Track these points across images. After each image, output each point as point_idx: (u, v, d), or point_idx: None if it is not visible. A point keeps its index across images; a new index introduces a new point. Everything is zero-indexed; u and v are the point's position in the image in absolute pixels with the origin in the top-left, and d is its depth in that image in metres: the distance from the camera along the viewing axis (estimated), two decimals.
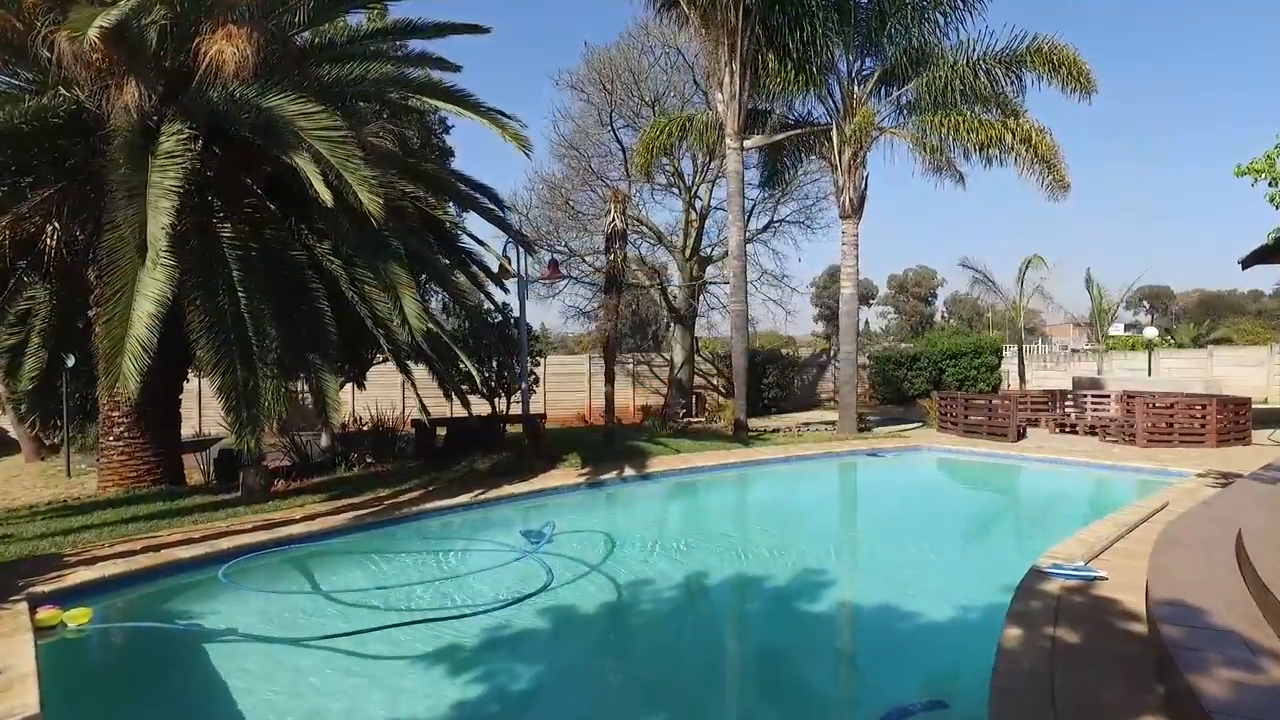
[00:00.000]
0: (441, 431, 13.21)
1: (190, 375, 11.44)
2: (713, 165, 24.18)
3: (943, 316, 77.78)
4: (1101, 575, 5.82)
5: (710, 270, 26.38)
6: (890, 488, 12.15)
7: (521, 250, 13.66)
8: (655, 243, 25.46)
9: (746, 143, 14.93)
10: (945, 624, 5.69)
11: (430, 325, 9.13)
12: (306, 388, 13.97)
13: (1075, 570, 5.93)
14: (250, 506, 8.55)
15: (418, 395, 9.19)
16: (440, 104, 9.05)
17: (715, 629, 6.25)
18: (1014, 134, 13.08)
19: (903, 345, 35.44)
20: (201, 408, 20.32)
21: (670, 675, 5.07)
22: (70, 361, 11.03)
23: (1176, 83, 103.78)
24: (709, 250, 25.99)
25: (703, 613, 6.56)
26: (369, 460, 12.11)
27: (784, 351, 30.19)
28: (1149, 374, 22.83)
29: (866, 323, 74.00)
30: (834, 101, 15.45)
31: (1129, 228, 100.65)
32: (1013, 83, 13.84)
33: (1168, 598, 4.65)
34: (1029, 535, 8.57)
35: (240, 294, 7.57)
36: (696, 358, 25.90)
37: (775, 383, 26.31)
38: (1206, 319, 39.37)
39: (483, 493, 9.39)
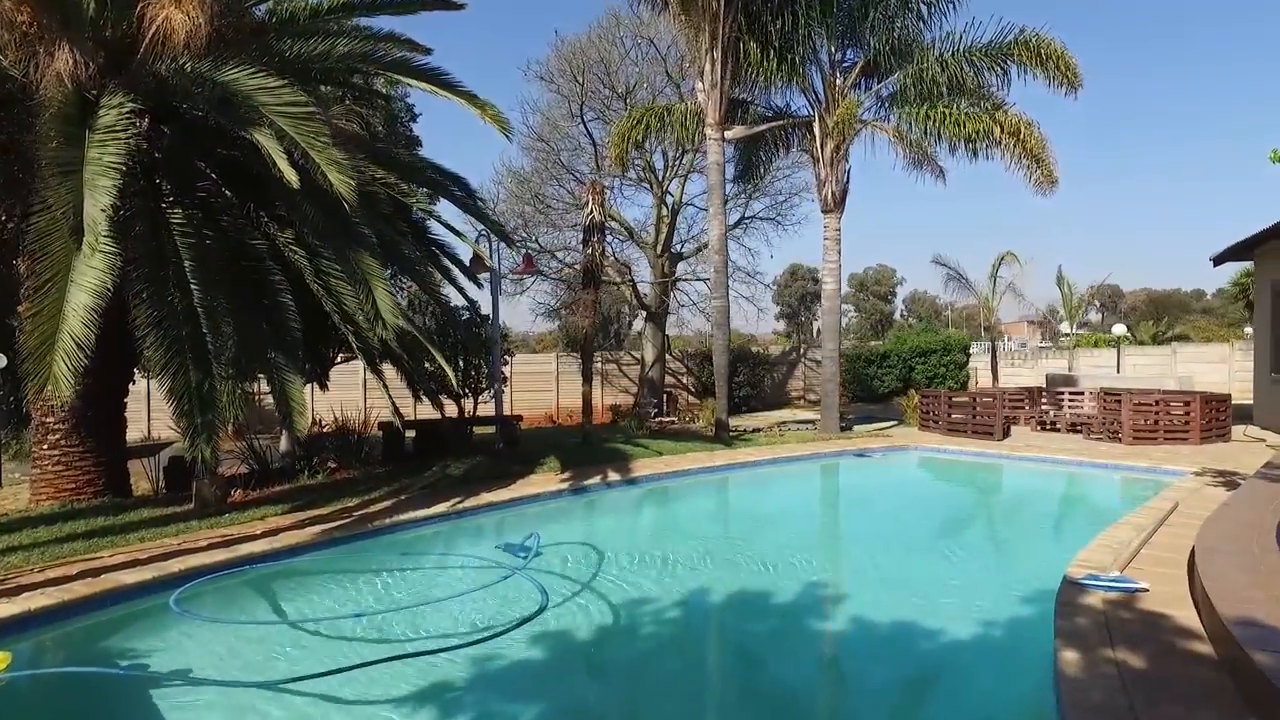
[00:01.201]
0: (410, 434, 12.48)
1: (138, 375, 10.56)
2: (684, 160, 23.79)
3: (902, 315, 78.68)
4: (1142, 586, 5.43)
5: (681, 267, 25.97)
6: (887, 490, 11.78)
7: (495, 243, 13.01)
8: (626, 238, 24.90)
9: (728, 133, 14.45)
10: (983, 643, 5.24)
11: (403, 321, 8.43)
12: (264, 388, 13.15)
13: (1113, 581, 5.53)
14: (205, 520, 7.77)
15: (389, 397, 8.49)
16: (415, 83, 8.35)
17: (730, 653, 5.71)
18: (1003, 127, 12.82)
19: (873, 343, 35.42)
20: (150, 410, 19.20)
21: (687, 712, 4.52)
22: (2, 362, 10.07)
23: (1124, 84, 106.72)
24: (680, 246, 25.57)
25: (714, 636, 6.02)
26: (331, 465, 11.33)
27: (754, 350, 29.94)
28: (1118, 370, 22.99)
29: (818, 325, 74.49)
30: (816, 93, 15.08)
31: (1075, 227, 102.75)
32: (998, 76, 13.60)
33: (1240, 617, 4.24)
34: (1045, 540, 8.18)
35: (194, 286, 6.80)
36: (666, 356, 25.46)
37: (746, 381, 26.06)
38: (1164, 318, 40.19)
39: (460, 501, 8.73)
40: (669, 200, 24.39)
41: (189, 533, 7.30)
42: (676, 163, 23.79)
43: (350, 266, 7.18)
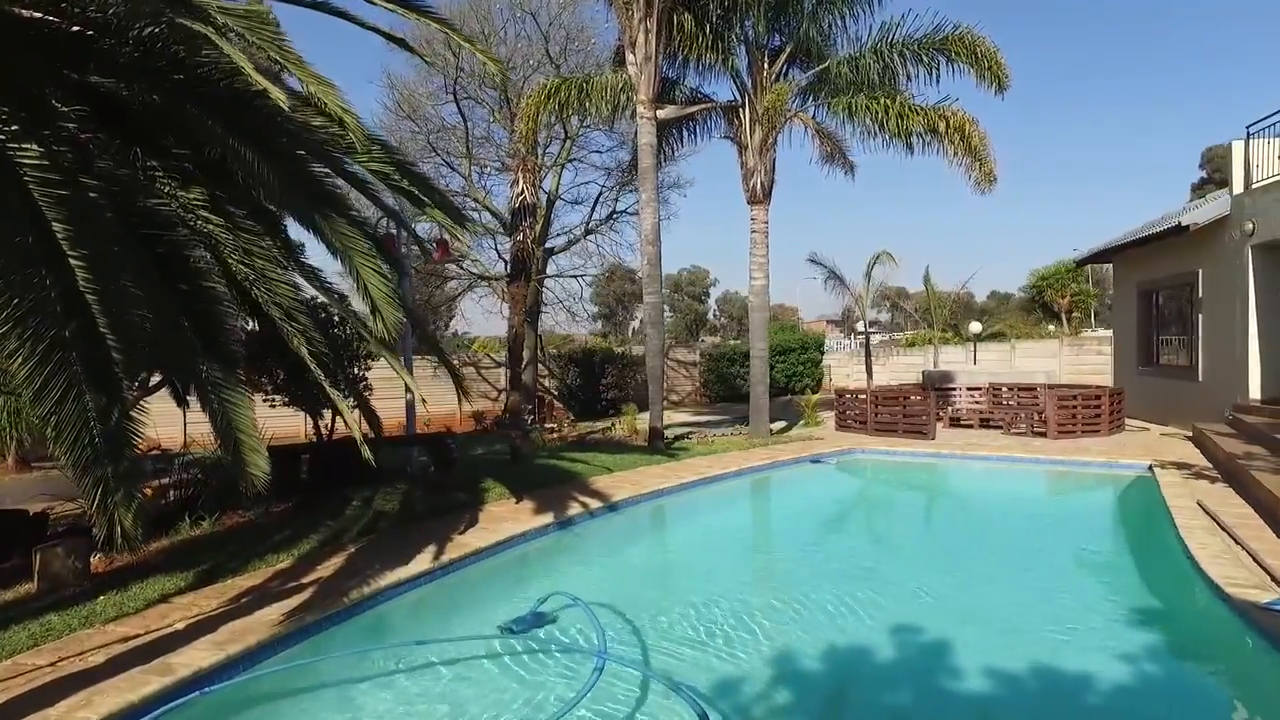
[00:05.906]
0: (305, 457, 9.98)
1: None
2: (562, 149, 22.33)
3: (714, 315, 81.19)
4: None
5: (549, 265, 24.45)
6: (893, 501, 11.13)
7: (398, 229, 10.87)
8: (499, 229, 22.85)
9: (660, 113, 13.12)
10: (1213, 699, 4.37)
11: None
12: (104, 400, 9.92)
13: None
14: (69, 610, 5.23)
15: (345, 418, 6.27)
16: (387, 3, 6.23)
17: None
18: (948, 122, 12.57)
19: (732, 341, 35.69)
20: None
21: None
22: None
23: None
24: (551, 240, 24.06)
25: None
26: (172, 497, 8.49)
27: (618, 352, 29.00)
28: (974, 364, 24.47)
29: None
30: (742, 78, 14.18)
31: (856, 226, 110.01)
32: (928, 70, 13.40)
33: None
34: (1126, 553, 7.44)
35: (75, 261, 4.35)
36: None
37: (614, 383, 25.12)
38: (957, 319, 44.24)
39: (439, 552, 6.70)
40: (542, 193, 22.71)
41: (59, 638, 4.81)
42: (553, 149, 22.24)
43: (328, 239, 5.02)
